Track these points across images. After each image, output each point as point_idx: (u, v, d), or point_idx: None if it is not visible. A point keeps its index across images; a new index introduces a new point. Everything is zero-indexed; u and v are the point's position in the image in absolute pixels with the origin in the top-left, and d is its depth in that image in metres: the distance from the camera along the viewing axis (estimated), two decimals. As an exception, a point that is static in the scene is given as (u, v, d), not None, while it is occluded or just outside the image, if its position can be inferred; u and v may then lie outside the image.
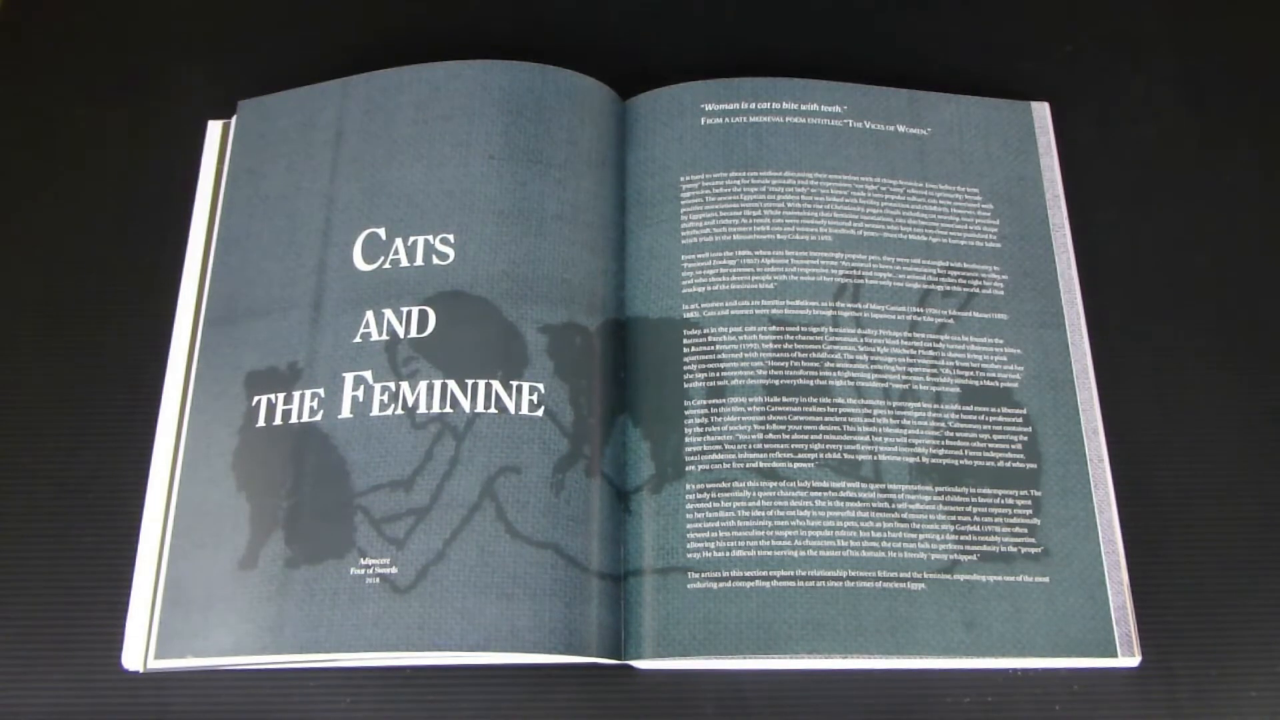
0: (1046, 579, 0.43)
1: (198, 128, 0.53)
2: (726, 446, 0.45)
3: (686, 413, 0.45)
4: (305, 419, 0.45)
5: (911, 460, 0.45)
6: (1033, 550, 0.44)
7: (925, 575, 0.43)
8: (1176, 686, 0.43)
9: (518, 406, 0.44)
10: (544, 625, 0.41)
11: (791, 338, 0.47)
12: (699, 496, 0.44)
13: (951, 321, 0.47)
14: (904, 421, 0.46)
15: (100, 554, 0.45)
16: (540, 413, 0.44)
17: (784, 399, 0.46)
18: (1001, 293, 0.48)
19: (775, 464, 0.45)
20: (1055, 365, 0.47)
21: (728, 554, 0.43)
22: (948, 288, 0.48)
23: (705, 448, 0.45)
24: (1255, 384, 0.49)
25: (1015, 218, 0.50)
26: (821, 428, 0.45)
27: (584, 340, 0.46)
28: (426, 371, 0.45)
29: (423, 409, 0.44)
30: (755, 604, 0.43)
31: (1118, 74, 0.55)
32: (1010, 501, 0.45)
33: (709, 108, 0.50)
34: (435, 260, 0.46)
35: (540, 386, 0.44)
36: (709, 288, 0.47)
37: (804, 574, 0.43)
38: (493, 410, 0.44)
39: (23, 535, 0.46)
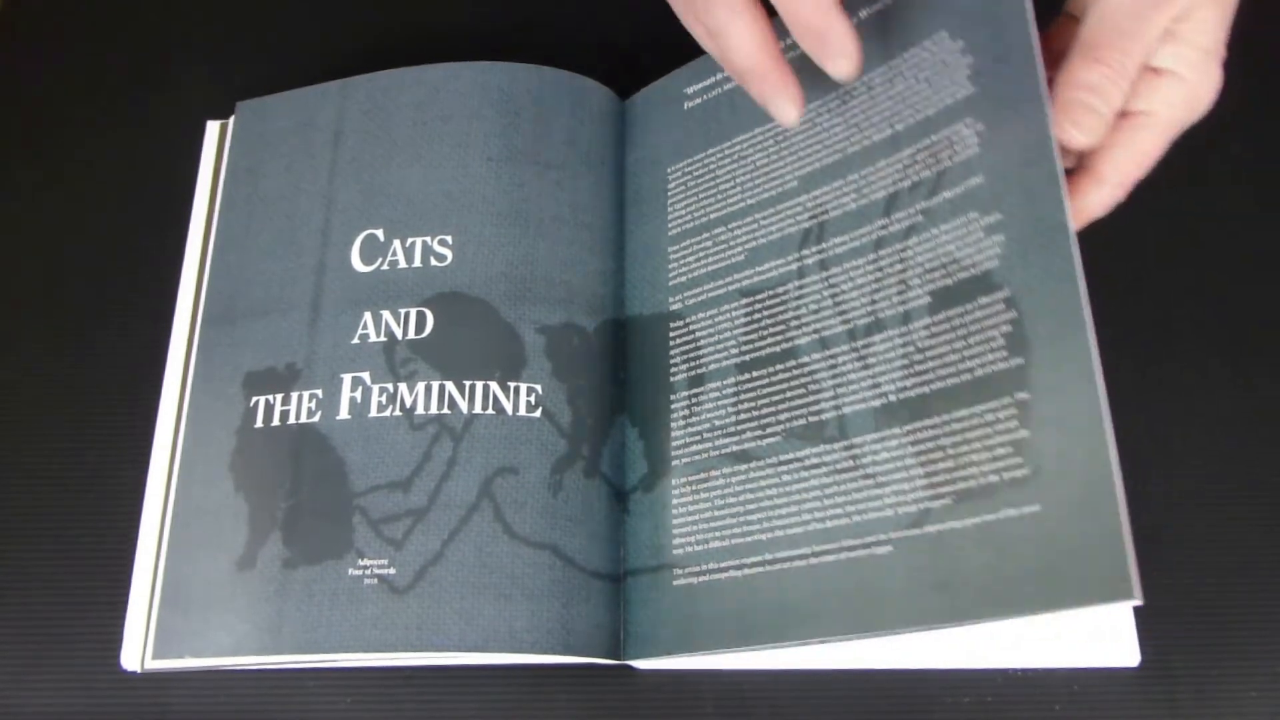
0: (1037, 507, 0.35)
1: (197, 128, 0.53)
2: (704, 436, 0.44)
3: (672, 407, 0.45)
4: (303, 420, 0.45)
5: (877, 404, 0.40)
6: (1018, 473, 0.36)
7: (891, 535, 0.38)
8: (1176, 687, 0.43)
9: (515, 407, 0.44)
10: (542, 626, 0.41)
11: (760, 306, 0.44)
12: (682, 491, 0.44)
13: (920, 218, 0.41)
14: (869, 360, 0.41)
15: (100, 554, 0.46)
16: (538, 413, 0.44)
17: (754, 374, 0.44)
18: (976, 149, 0.40)
19: (746, 445, 0.43)
20: (1044, 210, 0.38)
21: (706, 546, 0.42)
22: (916, 177, 0.42)
23: (687, 440, 0.44)
24: (1255, 383, 0.49)
25: (989, 41, 0.41)
26: (787, 395, 0.42)
27: (582, 341, 0.46)
28: (424, 373, 0.45)
29: (421, 410, 0.44)
30: (729, 596, 0.41)
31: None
32: (990, 417, 0.37)
33: (690, 90, 0.50)
34: (433, 261, 0.46)
35: (538, 387, 0.45)
36: (690, 275, 0.46)
37: (771, 557, 0.41)
38: (490, 411, 0.44)
39: (23, 535, 0.46)
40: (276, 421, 0.45)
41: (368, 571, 0.42)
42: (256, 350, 0.47)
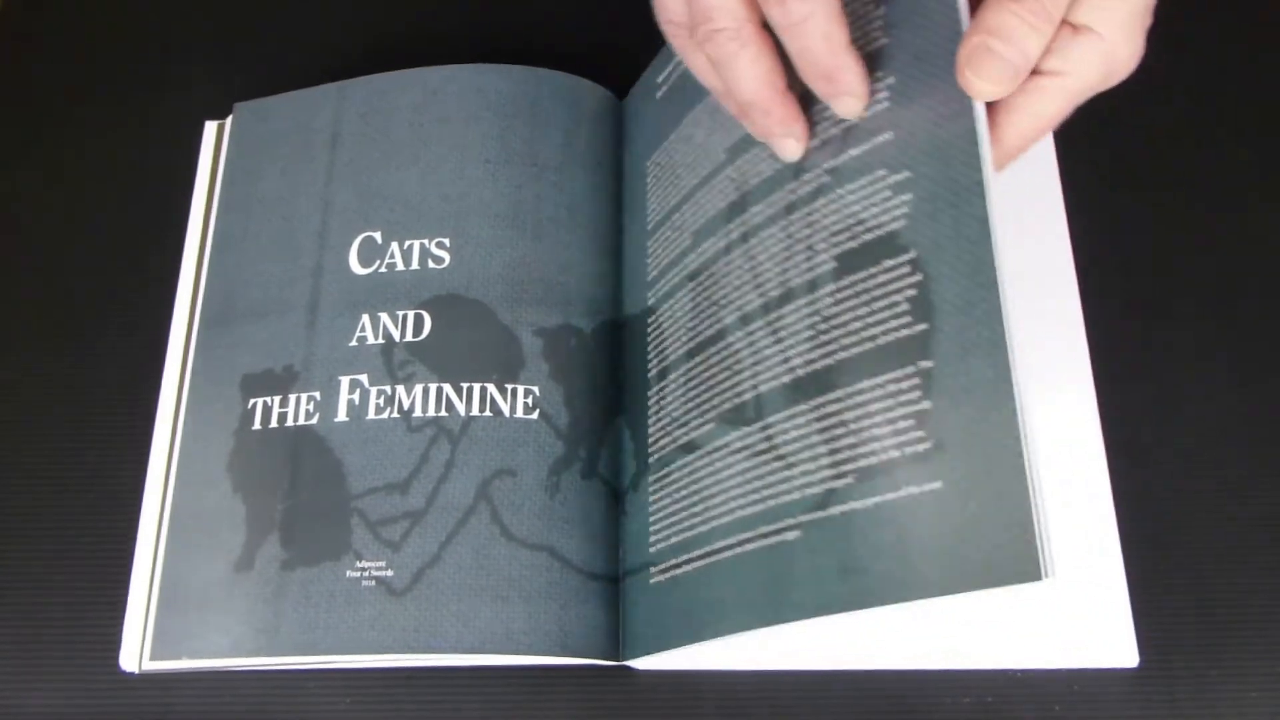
0: (939, 484, 0.33)
1: (196, 129, 0.53)
2: (666, 429, 0.43)
3: (648, 403, 0.44)
4: (301, 422, 0.45)
5: (787, 380, 0.38)
6: (920, 448, 0.34)
7: (800, 519, 0.36)
8: (1176, 687, 0.43)
9: (513, 409, 0.44)
10: (539, 628, 0.41)
11: (700, 289, 0.43)
12: (654, 487, 0.43)
13: (827, 178, 0.39)
14: (780, 334, 0.39)
15: (100, 555, 0.46)
16: (535, 415, 0.44)
17: (696, 360, 0.42)
18: (885, 104, 0.37)
19: (692, 434, 0.42)
20: (957, 170, 0.35)
21: (668, 543, 0.42)
22: (825, 135, 0.39)
23: (657, 435, 0.44)
24: (1255, 383, 0.48)
25: None
26: (718, 379, 0.41)
27: (580, 342, 0.46)
28: (422, 375, 0.45)
29: (418, 412, 0.44)
30: (681, 593, 0.40)
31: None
32: (893, 388, 0.35)
33: (659, 79, 0.49)
34: (431, 264, 0.46)
35: (535, 389, 0.45)
36: (660, 268, 0.46)
37: (709, 549, 0.40)
38: (488, 413, 0.44)
39: (23, 536, 0.46)
40: (274, 423, 0.45)
41: (365, 573, 0.42)
42: (254, 352, 0.47)
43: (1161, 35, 0.56)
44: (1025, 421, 0.32)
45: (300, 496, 0.44)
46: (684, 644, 0.40)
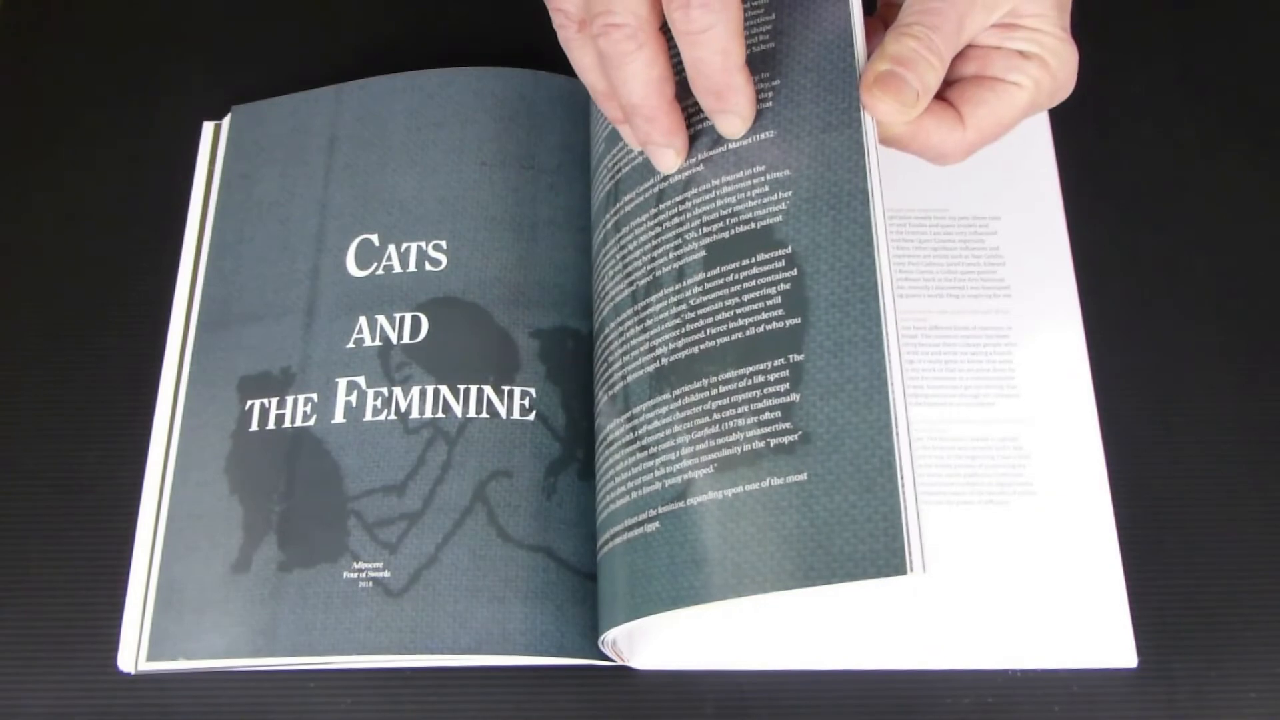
0: (803, 475, 0.33)
1: (194, 131, 0.53)
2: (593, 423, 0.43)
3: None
4: (298, 424, 0.45)
5: (652, 369, 0.38)
6: (786, 440, 0.34)
7: (660, 510, 0.36)
8: (1175, 688, 0.43)
9: (509, 411, 0.44)
10: (536, 628, 0.41)
11: (596, 281, 0.43)
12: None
13: (700, 168, 0.39)
14: (647, 323, 0.39)
15: (97, 556, 0.46)
16: (532, 417, 0.44)
17: (596, 354, 0.43)
18: (770, 103, 0.38)
19: (598, 427, 0.42)
20: (841, 176, 0.36)
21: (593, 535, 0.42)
22: (699, 125, 0.39)
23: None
24: (1255, 383, 0.48)
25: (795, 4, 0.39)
26: (600, 371, 0.41)
27: (576, 344, 0.46)
28: (419, 377, 0.45)
29: (415, 414, 0.44)
30: (600, 584, 0.41)
31: (1117, 75, 0.55)
32: (760, 379, 0.35)
33: None
34: (428, 266, 0.47)
35: (532, 391, 0.45)
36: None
37: (600, 543, 0.40)
38: (485, 415, 0.44)
39: (22, 536, 0.46)
40: (271, 425, 0.45)
41: (362, 574, 0.42)
42: (251, 354, 0.47)
43: (1162, 35, 0.56)
44: (899, 417, 0.33)
45: (297, 498, 0.44)
46: (604, 631, 0.40)
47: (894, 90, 0.36)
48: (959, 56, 0.39)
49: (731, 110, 0.37)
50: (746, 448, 0.35)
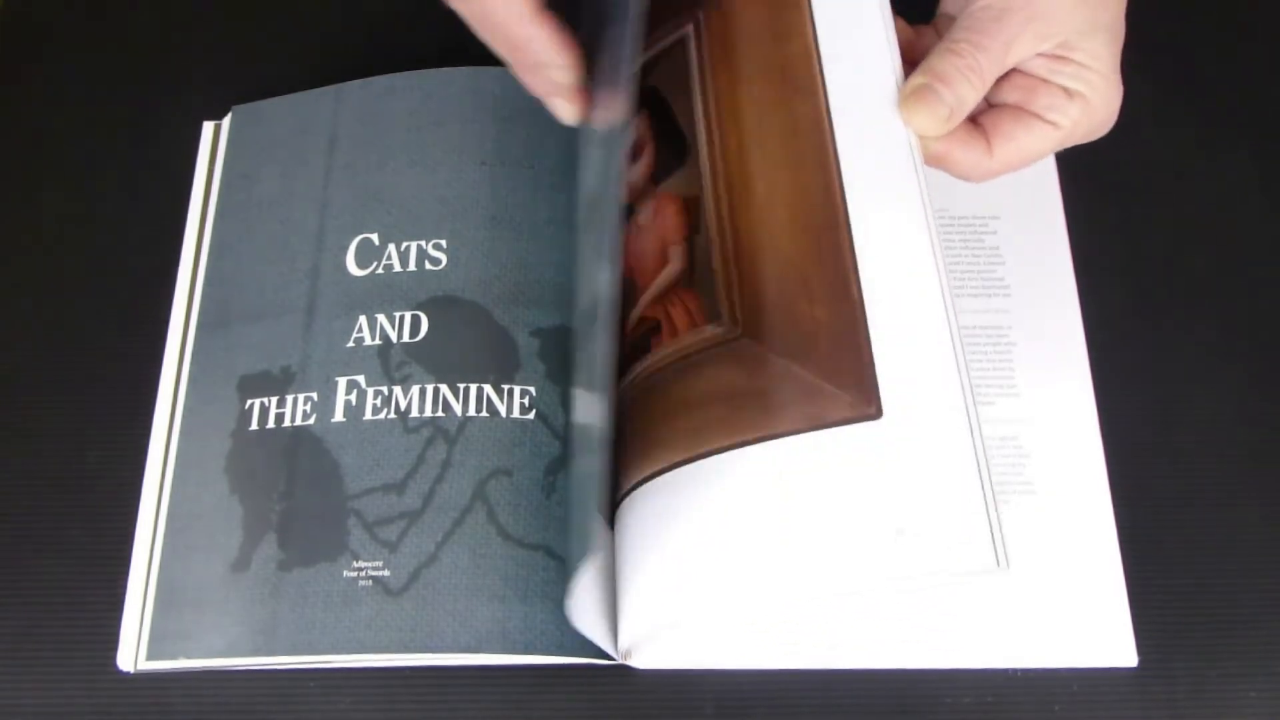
0: None
1: (193, 130, 0.53)
2: None
3: None
4: (298, 423, 0.45)
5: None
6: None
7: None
8: (1175, 687, 0.43)
9: (509, 410, 0.44)
10: (536, 627, 0.41)
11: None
12: None
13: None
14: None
15: (97, 555, 0.46)
16: (532, 416, 0.44)
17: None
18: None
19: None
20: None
21: None
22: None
23: None
24: (1254, 383, 0.48)
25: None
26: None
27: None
28: (419, 376, 0.45)
29: (415, 413, 0.44)
30: None
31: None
32: None
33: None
34: (428, 265, 0.47)
35: (532, 389, 0.45)
36: None
37: None
38: (484, 414, 0.44)
39: (21, 536, 0.46)
40: (271, 424, 0.45)
41: (362, 573, 0.42)
42: (251, 354, 0.47)
43: (1162, 35, 0.56)
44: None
45: (297, 497, 0.44)
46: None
47: (927, 104, 0.37)
48: (1004, 80, 0.39)
49: (546, 64, 0.36)
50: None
